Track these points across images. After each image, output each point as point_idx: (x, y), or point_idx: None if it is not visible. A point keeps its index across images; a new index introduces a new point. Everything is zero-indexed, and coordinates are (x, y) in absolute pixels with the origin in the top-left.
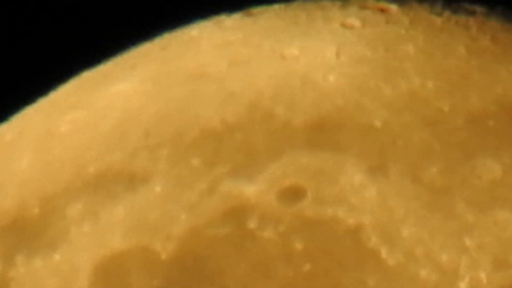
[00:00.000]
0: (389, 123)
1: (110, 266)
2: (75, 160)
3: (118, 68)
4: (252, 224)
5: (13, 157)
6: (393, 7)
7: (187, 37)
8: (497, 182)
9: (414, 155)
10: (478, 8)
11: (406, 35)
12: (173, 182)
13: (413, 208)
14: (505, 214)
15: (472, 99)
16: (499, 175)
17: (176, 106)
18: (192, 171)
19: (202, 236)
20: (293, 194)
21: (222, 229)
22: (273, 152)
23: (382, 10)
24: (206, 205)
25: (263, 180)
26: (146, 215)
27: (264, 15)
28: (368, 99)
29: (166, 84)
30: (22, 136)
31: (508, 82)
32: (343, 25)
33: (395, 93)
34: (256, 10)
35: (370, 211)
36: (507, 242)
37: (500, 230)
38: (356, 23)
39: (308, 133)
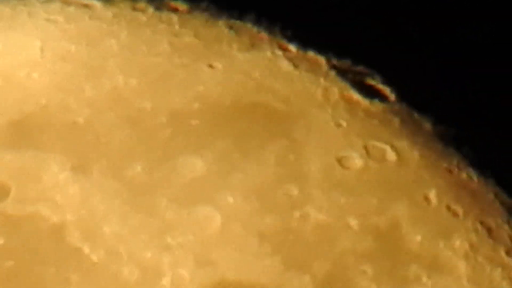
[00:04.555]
0: (92, 123)
1: None
2: None
3: None
4: None
5: None
6: (97, 3)
7: None
8: (200, 179)
9: (116, 153)
10: (182, 6)
11: (109, 30)
12: None
13: (115, 206)
14: (207, 210)
15: (175, 97)
16: (202, 173)
17: None
18: None
19: None
20: None
21: None
22: None
23: (86, 6)
24: None
25: None
26: None
27: None
28: (71, 98)
29: None
30: None
31: (209, 78)
32: (48, 20)
33: (98, 91)
34: None
35: (73, 209)
36: (208, 240)
37: (201, 228)
38: (60, 18)
39: (11, 133)
